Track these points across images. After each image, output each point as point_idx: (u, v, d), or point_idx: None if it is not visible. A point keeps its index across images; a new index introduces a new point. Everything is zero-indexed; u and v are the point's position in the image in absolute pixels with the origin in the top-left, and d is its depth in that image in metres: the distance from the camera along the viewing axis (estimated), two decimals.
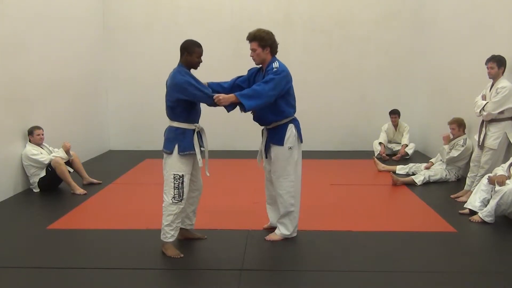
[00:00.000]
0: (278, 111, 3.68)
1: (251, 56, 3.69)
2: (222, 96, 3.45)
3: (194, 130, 3.51)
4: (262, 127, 3.87)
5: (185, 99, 3.42)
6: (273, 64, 3.63)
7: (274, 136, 3.73)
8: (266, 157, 3.85)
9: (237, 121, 7.81)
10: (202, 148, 3.58)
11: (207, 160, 3.65)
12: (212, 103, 3.47)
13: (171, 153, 3.45)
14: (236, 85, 3.81)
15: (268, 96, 3.50)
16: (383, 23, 8.10)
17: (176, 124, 3.49)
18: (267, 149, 3.82)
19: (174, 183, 3.44)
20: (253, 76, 3.84)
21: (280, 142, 3.69)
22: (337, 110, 8.31)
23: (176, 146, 3.44)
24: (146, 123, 8.33)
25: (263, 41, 3.61)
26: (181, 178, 3.45)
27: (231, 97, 3.47)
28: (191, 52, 3.50)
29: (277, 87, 3.53)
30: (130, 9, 8.20)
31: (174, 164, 3.45)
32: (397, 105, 7.84)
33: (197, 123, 3.58)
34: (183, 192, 3.47)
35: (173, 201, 3.45)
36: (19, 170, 5.42)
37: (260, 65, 3.78)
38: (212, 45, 8.03)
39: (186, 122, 3.49)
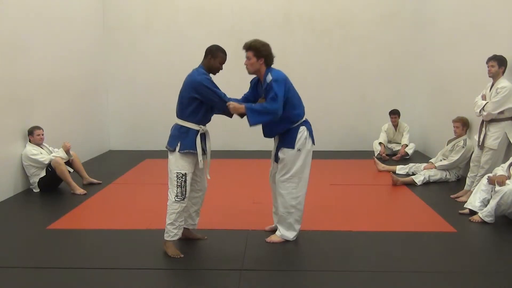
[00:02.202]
0: (284, 119, 3.65)
1: (245, 64, 3.66)
2: (232, 105, 3.52)
3: (198, 131, 3.52)
4: None
5: (199, 99, 3.45)
6: (269, 74, 3.60)
7: (285, 139, 3.71)
8: (276, 161, 3.81)
9: (236, 122, 7.83)
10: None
11: (208, 162, 3.66)
12: (225, 108, 3.52)
13: (173, 150, 3.48)
14: (245, 98, 3.89)
15: (275, 114, 3.53)
16: (383, 23, 8.10)
17: (181, 122, 3.51)
18: (277, 151, 3.78)
19: (177, 182, 3.45)
20: (255, 86, 3.87)
21: (291, 145, 3.68)
22: (337, 110, 8.31)
23: (179, 144, 3.46)
24: (146, 123, 8.34)
25: (258, 52, 3.59)
26: (183, 177, 3.46)
27: (241, 108, 3.54)
28: (215, 56, 3.54)
29: (281, 101, 3.55)
30: (130, 9, 8.20)
31: (176, 162, 3.47)
32: (397, 105, 7.85)
33: (204, 126, 3.59)
34: (185, 191, 3.48)
35: (176, 199, 3.47)
36: (19, 170, 5.42)
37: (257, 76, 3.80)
38: None
39: (193, 122, 3.50)
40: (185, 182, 3.47)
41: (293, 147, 3.67)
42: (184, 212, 3.57)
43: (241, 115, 3.63)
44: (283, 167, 3.72)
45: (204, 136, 3.59)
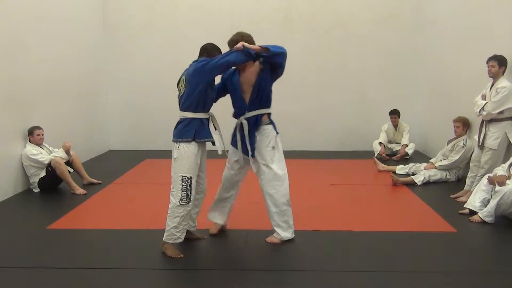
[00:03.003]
0: (267, 98, 3.74)
1: None
2: (243, 44, 3.46)
3: (208, 118, 3.56)
4: (240, 122, 3.75)
5: (209, 83, 3.46)
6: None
7: (259, 140, 3.73)
8: (252, 156, 3.77)
9: (234, 122, 7.85)
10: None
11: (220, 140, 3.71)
12: (242, 55, 3.45)
13: (191, 140, 3.42)
14: (216, 88, 3.86)
15: (285, 51, 3.54)
16: (383, 23, 8.10)
17: (192, 115, 3.47)
18: (252, 150, 3.75)
19: (182, 185, 3.42)
20: (230, 76, 3.83)
21: (266, 144, 3.72)
22: (337, 110, 8.31)
23: (194, 133, 3.44)
24: (146, 123, 8.34)
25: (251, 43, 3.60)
26: (189, 180, 3.43)
27: (255, 46, 3.50)
28: (211, 55, 3.55)
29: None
30: (130, 9, 8.20)
31: (182, 163, 3.42)
32: (397, 105, 7.85)
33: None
34: (190, 194, 3.45)
35: (181, 203, 3.44)
36: (19, 170, 5.42)
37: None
38: None
39: (202, 112, 3.51)
40: (190, 185, 3.44)
41: (267, 146, 3.72)
42: (187, 215, 3.55)
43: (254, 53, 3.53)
44: (265, 168, 3.72)
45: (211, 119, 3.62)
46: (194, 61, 3.57)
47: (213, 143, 3.62)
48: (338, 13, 8.13)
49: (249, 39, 3.62)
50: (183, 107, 3.51)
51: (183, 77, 3.55)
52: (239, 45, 3.46)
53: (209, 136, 3.54)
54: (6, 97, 5.25)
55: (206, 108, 3.55)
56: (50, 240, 3.95)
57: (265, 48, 3.47)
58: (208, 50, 3.58)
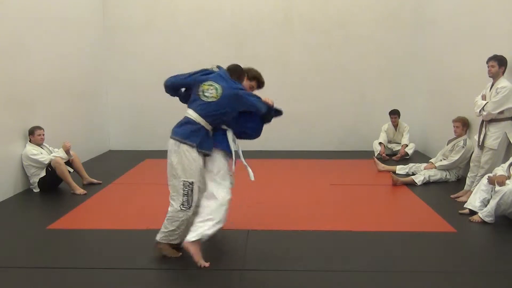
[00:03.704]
0: None
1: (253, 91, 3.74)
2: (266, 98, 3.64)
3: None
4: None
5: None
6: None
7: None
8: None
9: None
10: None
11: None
12: (265, 109, 3.62)
13: (194, 146, 3.38)
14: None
15: None
16: (383, 23, 8.10)
17: (204, 124, 3.44)
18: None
19: (184, 190, 3.37)
20: None
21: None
22: (337, 110, 8.32)
23: (199, 142, 3.40)
24: (146, 123, 8.35)
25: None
26: (190, 185, 3.37)
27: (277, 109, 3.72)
28: (240, 79, 3.63)
29: None
30: (130, 9, 8.20)
31: (185, 167, 3.35)
32: (397, 105, 7.85)
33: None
34: (192, 200, 3.40)
35: (182, 208, 3.38)
36: (19, 170, 5.42)
37: None
38: (212, 45, 8.03)
39: (212, 125, 3.51)
40: (192, 191, 3.38)
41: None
42: (187, 220, 3.43)
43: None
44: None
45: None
46: (231, 80, 3.53)
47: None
48: (338, 13, 8.13)
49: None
50: (203, 112, 3.42)
51: (217, 85, 3.42)
52: (270, 102, 3.62)
53: (211, 148, 3.49)
54: (6, 97, 5.25)
55: (218, 124, 3.54)
56: (50, 240, 3.95)
57: (280, 112, 3.72)
58: (238, 73, 3.62)
